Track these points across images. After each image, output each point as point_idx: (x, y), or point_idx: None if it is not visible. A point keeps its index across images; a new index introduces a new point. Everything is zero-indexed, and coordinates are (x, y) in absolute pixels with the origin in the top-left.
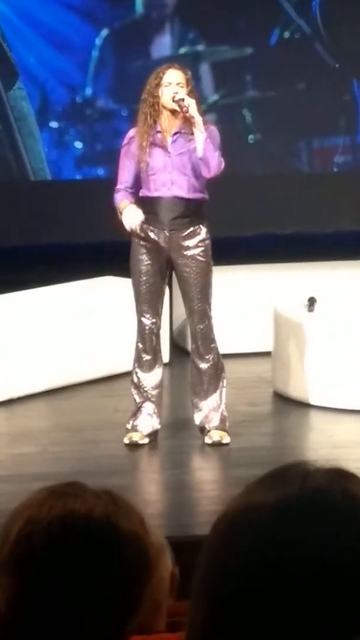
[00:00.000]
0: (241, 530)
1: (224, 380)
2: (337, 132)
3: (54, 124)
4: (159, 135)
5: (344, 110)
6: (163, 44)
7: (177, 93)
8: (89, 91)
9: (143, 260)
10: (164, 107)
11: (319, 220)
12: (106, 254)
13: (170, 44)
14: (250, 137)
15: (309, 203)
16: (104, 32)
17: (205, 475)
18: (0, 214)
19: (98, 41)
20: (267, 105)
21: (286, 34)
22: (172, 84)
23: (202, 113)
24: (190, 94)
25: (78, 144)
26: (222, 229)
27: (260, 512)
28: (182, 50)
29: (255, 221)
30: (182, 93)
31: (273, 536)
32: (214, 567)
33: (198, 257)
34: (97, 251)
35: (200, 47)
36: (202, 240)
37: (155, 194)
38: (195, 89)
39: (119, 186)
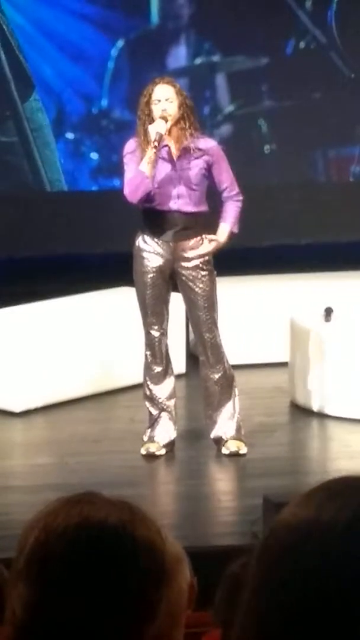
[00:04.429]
0: (312, 545)
1: (236, 389)
2: (353, 142)
3: (69, 135)
4: (163, 149)
5: None
6: (178, 55)
7: (154, 143)
8: (104, 102)
9: (148, 272)
10: None
11: (335, 230)
12: (122, 264)
13: (185, 55)
14: (266, 147)
15: (325, 213)
16: (120, 43)
17: (222, 486)
18: (16, 224)
19: (114, 52)
20: (283, 116)
21: (302, 44)
22: (161, 101)
23: (197, 124)
24: (182, 105)
25: (94, 155)
26: (238, 239)
27: (332, 529)
28: (198, 60)
29: (271, 231)
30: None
31: (345, 554)
32: (276, 576)
33: (203, 267)
34: (112, 262)
35: (215, 58)
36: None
37: (161, 207)
38: (188, 99)
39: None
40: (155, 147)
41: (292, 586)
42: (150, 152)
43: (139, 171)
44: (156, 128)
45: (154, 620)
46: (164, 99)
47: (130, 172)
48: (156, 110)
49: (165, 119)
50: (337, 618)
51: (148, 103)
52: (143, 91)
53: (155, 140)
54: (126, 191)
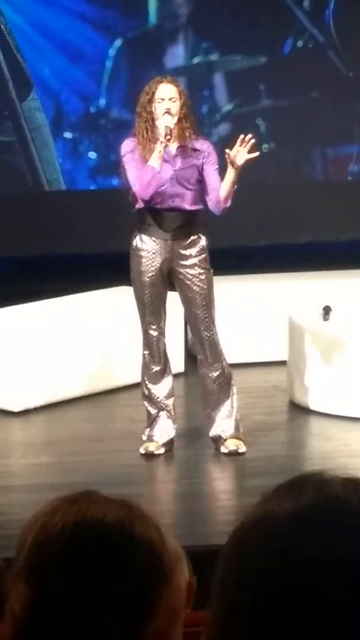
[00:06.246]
0: (257, 539)
1: (234, 387)
2: (351, 141)
3: (68, 135)
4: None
5: (358, 119)
6: (176, 54)
7: (167, 137)
8: (102, 101)
9: (146, 272)
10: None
11: (333, 228)
12: (120, 263)
13: (183, 54)
14: (264, 146)
15: (323, 212)
16: (118, 42)
17: (221, 485)
18: (15, 224)
19: (111, 52)
20: (281, 115)
21: (299, 43)
22: (165, 100)
23: (195, 125)
24: (183, 106)
25: (92, 154)
26: (237, 238)
27: (276, 521)
28: (196, 60)
29: (269, 230)
30: (170, 121)
31: (289, 545)
32: (231, 576)
33: (200, 265)
34: (111, 261)
35: (213, 57)
36: (203, 248)
37: (158, 206)
38: (188, 100)
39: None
40: (167, 140)
41: (244, 581)
42: (160, 147)
43: (149, 167)
44: (165, 122)
45: (153, 619)
46: (168, 98)
47: (134, 170)
48: (159, 108)
49: (170, 113)
50: (288, 610)
51: (151, 101)
52: (145, 88)
53: (166, 134)
54: (136, 188)
